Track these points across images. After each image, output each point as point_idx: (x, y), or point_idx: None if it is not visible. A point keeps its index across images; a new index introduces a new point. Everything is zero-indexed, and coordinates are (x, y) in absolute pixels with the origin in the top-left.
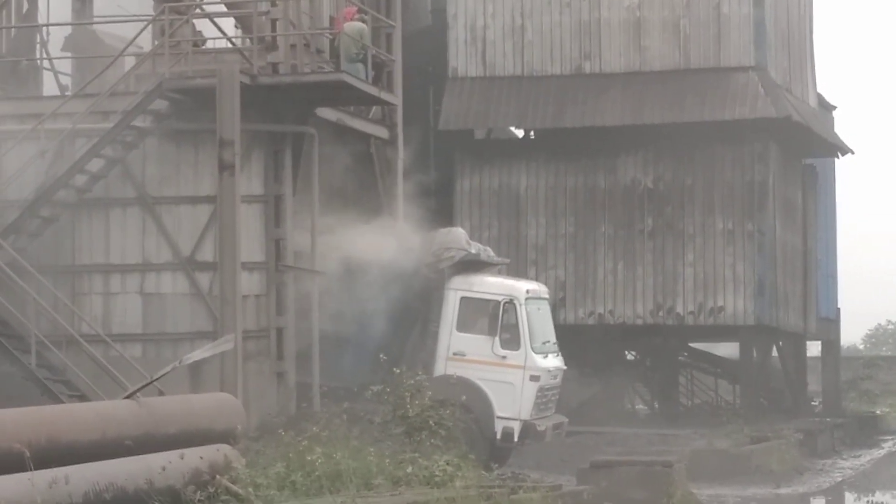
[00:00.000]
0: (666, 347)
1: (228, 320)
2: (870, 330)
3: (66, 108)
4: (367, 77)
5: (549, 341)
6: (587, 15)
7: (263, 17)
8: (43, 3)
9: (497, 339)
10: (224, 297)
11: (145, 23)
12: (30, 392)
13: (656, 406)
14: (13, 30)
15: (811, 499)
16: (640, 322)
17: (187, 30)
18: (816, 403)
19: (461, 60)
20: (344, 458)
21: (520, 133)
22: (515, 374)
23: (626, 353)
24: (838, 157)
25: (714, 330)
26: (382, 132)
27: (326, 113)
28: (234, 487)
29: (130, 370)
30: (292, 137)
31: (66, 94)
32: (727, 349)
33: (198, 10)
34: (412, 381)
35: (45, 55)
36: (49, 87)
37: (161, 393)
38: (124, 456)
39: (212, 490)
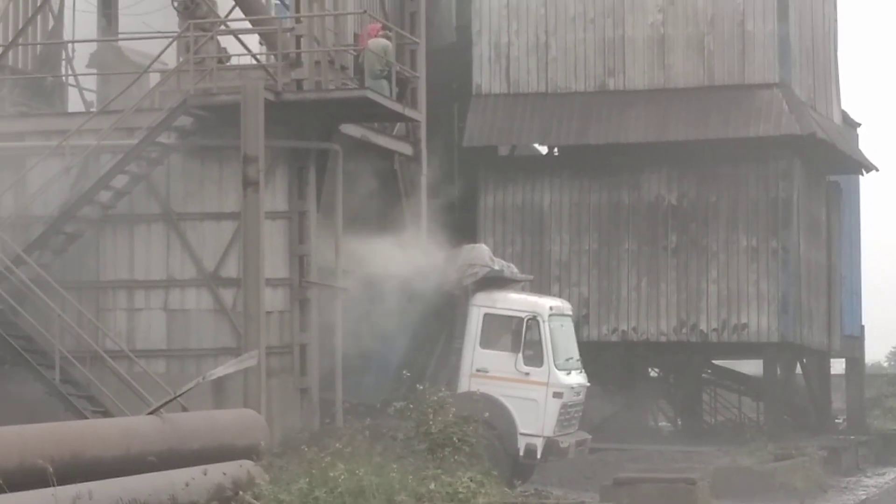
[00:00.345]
0: (689, 364)
1: (252, 336)
2: (894, 347)
3: (91, 125)
4: (391, 94)
5: (572, 358)
6: (611, 32)
7: (288, 34)
8: (69, 20)
9: (520, 355)
10: (248, 313)
11: (170, 39)
12: (54, 408)
13: (679, 423)
14: (39, 46)
15: None
16: (663, 339)
17: (212, 46)
18: (840, 421)
19: (485, 77)
20: (367, 475)
21: (543, 150)
22: (539, 391)
23: (650, 370)
24: (863, 174)
25: (738, 347)
26: (406, 149)
27: (350, 129)
28: None
29: (154, 386)
30: (316, 154)
31: (91, 110)
32: (751, 366)
33: (222, 27)
34: (435, 398)
35: (70, 72)
36: (74, 103)
37: (185, 409)
38: (148, 472)
39: None
